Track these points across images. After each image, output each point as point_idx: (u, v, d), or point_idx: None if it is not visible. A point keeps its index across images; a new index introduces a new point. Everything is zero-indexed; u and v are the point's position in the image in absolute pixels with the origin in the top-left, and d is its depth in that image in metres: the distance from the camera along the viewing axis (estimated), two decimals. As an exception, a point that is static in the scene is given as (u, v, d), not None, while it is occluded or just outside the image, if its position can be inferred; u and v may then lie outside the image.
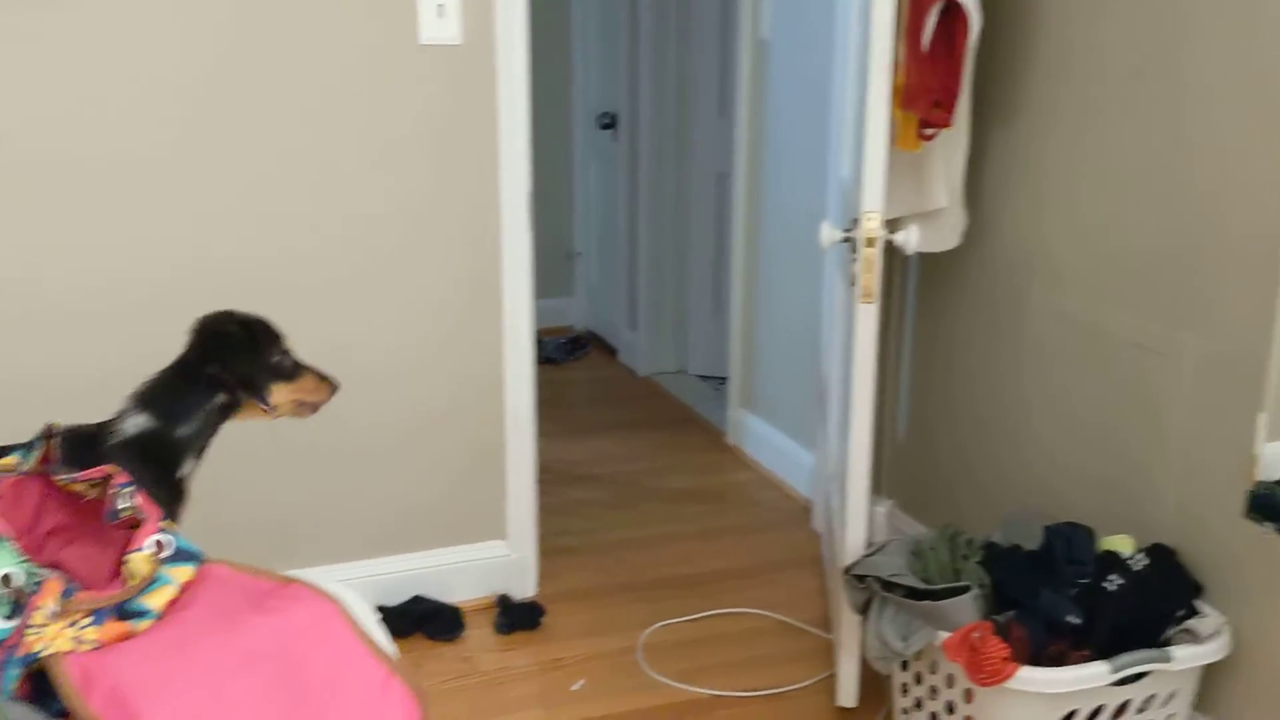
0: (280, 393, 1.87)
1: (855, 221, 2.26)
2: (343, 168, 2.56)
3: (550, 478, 3.58)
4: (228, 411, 1.84)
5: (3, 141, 2.29)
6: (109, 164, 2.39)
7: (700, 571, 3.10)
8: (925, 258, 2.81)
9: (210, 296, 2.49)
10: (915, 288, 2.95)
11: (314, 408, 1.95)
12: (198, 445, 1.81)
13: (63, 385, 2.33)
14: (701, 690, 2.51)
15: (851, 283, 2.31)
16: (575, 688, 2.54)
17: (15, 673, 0.86)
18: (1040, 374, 2.51)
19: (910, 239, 2.30)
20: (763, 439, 3.88)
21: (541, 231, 2.85)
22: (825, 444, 3.09)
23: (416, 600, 2.79)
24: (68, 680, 0.83)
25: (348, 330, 2.63)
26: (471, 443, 2.83)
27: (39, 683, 0.88)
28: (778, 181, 3.70)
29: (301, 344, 2.57)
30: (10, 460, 1.06)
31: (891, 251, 2.58)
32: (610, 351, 5.31)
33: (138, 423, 1.71)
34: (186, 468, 1.80)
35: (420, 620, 2.74)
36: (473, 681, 2.57)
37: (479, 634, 2.78)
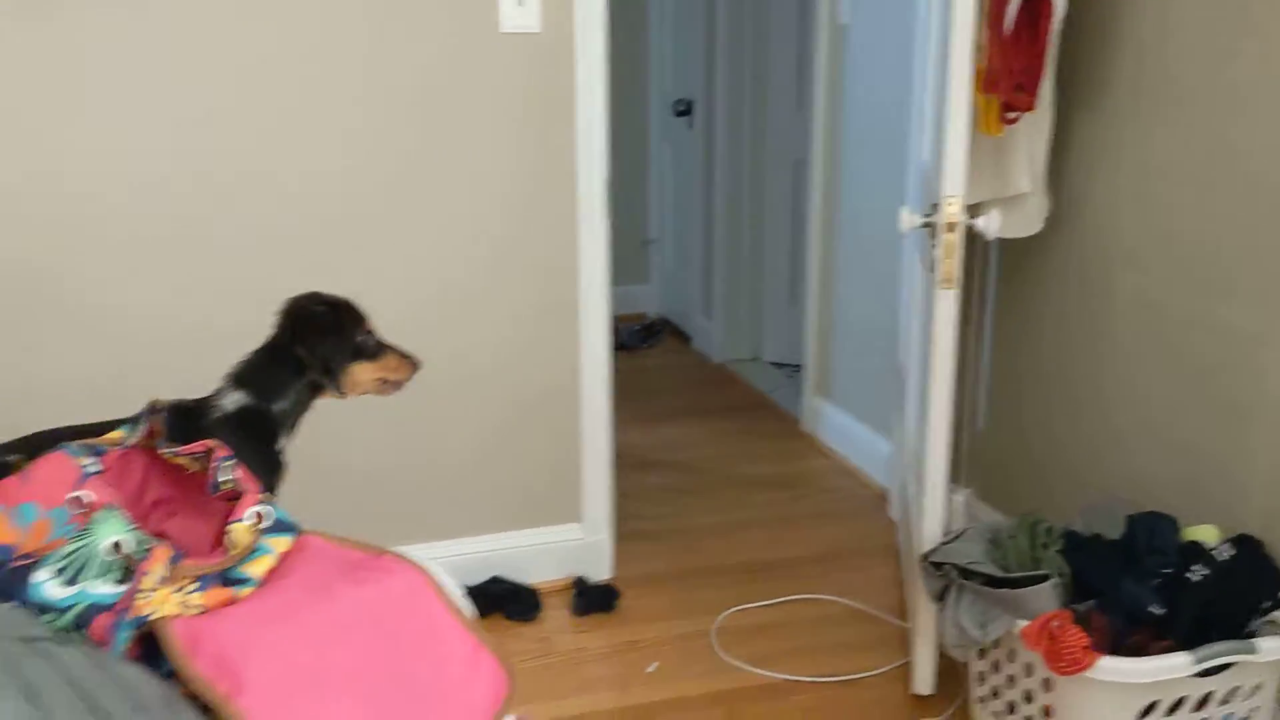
0: (364, 371, 1.93)
1: (935, 206, 2.24)
2: (424, 156, 2.60)
3: (625, 463, 3.60)
4: (317, 389, 1.91)
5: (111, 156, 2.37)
6: (198, 179, 2.45)
7: (774, 558, 3.11)
8: (1006, 243, 2.78)
9: (302, 285, 2.56)
10: (996, 274, 2.91)
11: (397, 385, 2.00)
12: (291, 420, 1.88)
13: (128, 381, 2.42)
14: (776, 675, 2.52)
15: (931, 269, 2.29)
16: (650, 670, 2.56)
17: (126, 635, 0.90)
18: (1124, 362, 2.47)
19: (991, 224, 2.28)
20: (838, 426, 3.87)
21: (616, 219, 2.87)
22: (902, 432, 3.08)
23: (495, 580, 2.83)
24: (176, 642, 0.87)
25: (425, 314, 2.68)
26: (549, 427, 2.86)
27: (148, 645, 0.93)
28: (855, 167, 3.68)
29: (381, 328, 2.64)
30: (117, 435, 1.10)
31: (972, 237, 2.56)
32: (684, 338, 5.33)
33: (236, 399, 1.78)
34: (282, 441, 1.87)
35: (499, 600, 2.78)
36: (549, 661, 2.60)
37: (555, 615, 2.81)
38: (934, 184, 2.34)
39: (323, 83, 2.50)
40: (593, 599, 2.84)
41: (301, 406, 1.89)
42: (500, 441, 2.83)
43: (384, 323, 2.62)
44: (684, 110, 5.03)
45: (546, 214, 2.72)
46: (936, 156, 2.32)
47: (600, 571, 2.97)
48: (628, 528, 3.20)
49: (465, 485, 2.83)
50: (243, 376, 1.82)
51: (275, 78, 2.47)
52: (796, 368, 4.52)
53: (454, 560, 2.76)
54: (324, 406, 2.39)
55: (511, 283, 2.74)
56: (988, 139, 2.46)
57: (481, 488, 2.84)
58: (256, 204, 2.52)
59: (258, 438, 1.78)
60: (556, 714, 2.38)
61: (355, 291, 2.43)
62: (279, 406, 1.82)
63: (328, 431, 2.62)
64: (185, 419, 1.69)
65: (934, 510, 2.33)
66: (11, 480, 1.00)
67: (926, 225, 2.32)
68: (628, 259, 5.37)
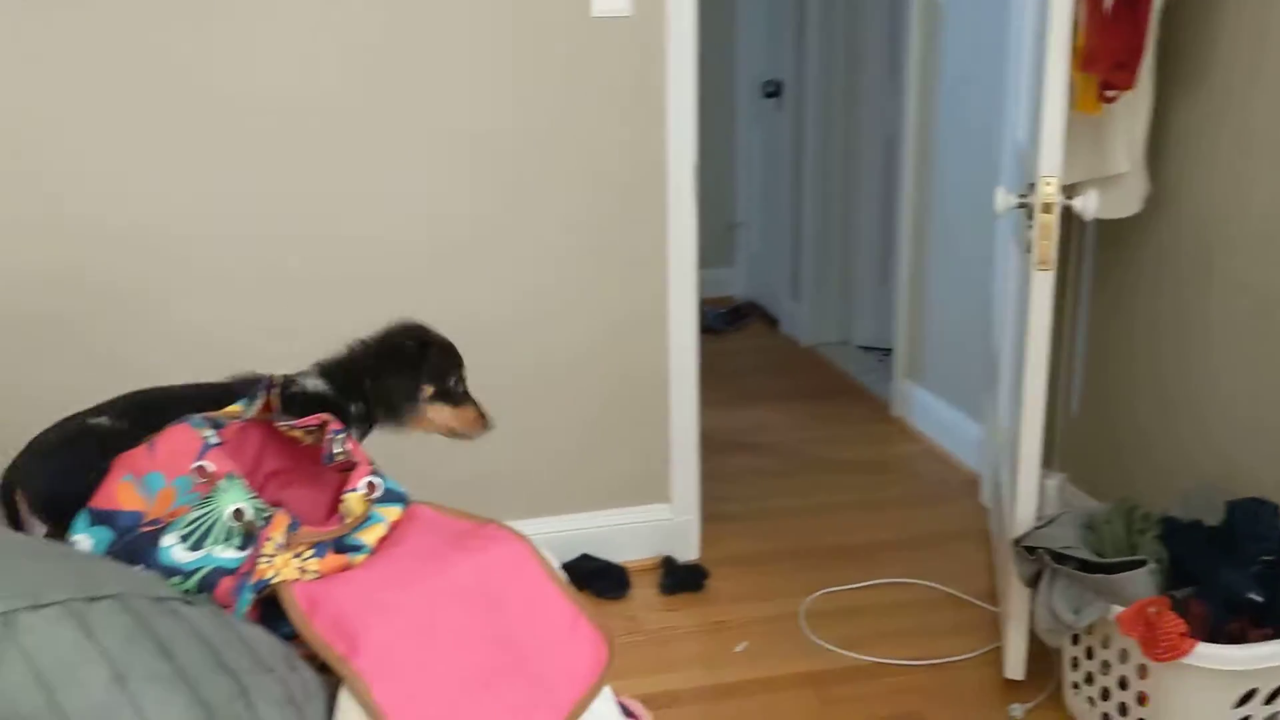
0: (440, 414, 1.91)
1: (1032, 186, 2.21)
2: (515, 144, 2.63)
3: (712, 446, 3.62)
4: (373, 422, 1.87)
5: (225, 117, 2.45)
6: (289, 157, 2.52)
7: (863, 541, 3.10)
8: (1104, 224, 2.73)
9: (394, 275, 2.62)
10: (1093, 255, 2.86)
11: (465, 438, 1.98)
12: (363, 427, 1.86)
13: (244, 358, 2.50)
14: (865, 657, 2.52)
15: (1027, 250, 2.27)
16: (738, 649, 2.58)
17: (249, 597, 0.95)
18: (1224, 346, 2.41)
19: (1089, 205, 2.24)
20: (929, 411, 3.84)
21: (703, 202, 2.88)
22: (995, 416, 3.04)
23: (585, 558, 2.88)
24: (296, 605, 0.91)
25: (521, 296, 2.72)
26: (638, 409, 2.89)
27: (267, 608, 0.97)
28: (949, 147, 3.63)
29: (467, 314, 2.69)
30: (236, 408, 1.16)
31: (1069, 218, 2.52)
32: (771, 322, 5.32)
33: (316, 384, 1.79)
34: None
35: (588, 577, 2.82)
36: (637, 639, 2.64)
37: (644, 593, 2.84)
38: (1030, 164, 2.31)
39: (420, 70, 2.54)
40: (681, 578, 2.86)
41: (371, 422, 1.88)
42: (591, 422, 2.87)
43: (482, 312, 2.69)
44: (773, 91, 5.01)
45: (636, 199, 2.74)
46: (1033, 136, 2.29)
47: (688, 552, 3.00)
48: (715, 509, 3.22)
49: (557, 465, 2.87)
50: (329, 369, 1.82)
51: (374, 71, 2.52)
52: (886, 351, 4.49)
53: (545, 537, 2.80)
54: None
55: (602, 266, 2.77)
56: (1085, 118, 2.42)
57: (573, 467, 2.88)
58: (352, 202, 2.58)
59: None
60: (645, 690, 2.41)
61: (454, 283, 2.48)
62: (354, 409, 1.81)
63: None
64: (268, 391, 1.72)
65: (1027, 495, 2.31)
66: (139, 451, 1.06)
67: (1022, 206, 2.29)
68: (714, 242, 5.38)
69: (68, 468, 1.38)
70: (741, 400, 4.25)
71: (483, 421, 1.98)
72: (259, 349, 2.52)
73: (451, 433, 1.96)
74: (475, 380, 2.72)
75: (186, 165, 2.47)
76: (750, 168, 5.54)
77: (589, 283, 2.77)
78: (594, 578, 2.83)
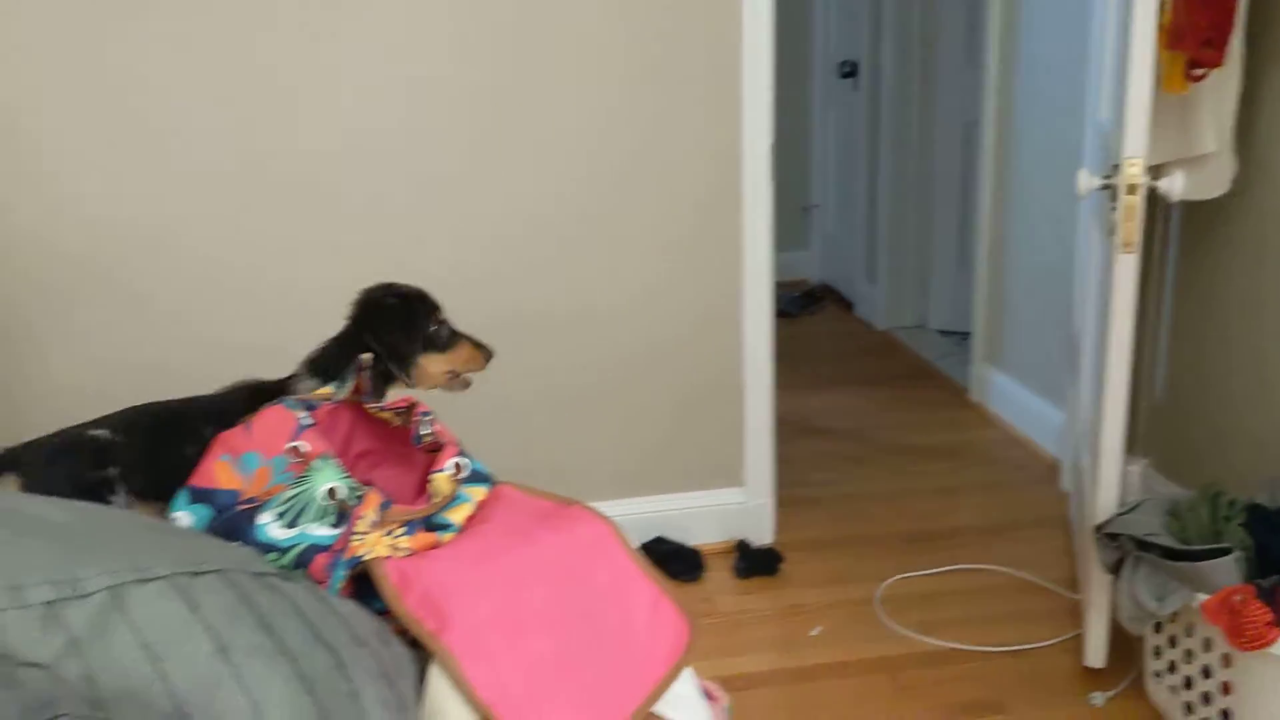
0: (434, 363, 1.88)
1: (1115, 168, 2.17)
2: (589, 119, 2.65)
3: (786, 430, 3.62)
4: (388, 379, 1.83)
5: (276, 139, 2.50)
6: (389, 161, 2.56)
7: (940, 527, 3.08)
8: (1190, 206, 2.67)
9: (480, 274, 2.65)
10: (1178, 237, 2.80)
11: (466, 383, 1.96)
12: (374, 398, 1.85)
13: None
14: (942, 643, 2.51)
15: (1110, 232, 2.23)
16: (814, 633, 2.58)
17: (342, 574, 0.98)
18: (1318, 329, 2.35)
19: (1174, 186, 2.19)
20: (1008, 395, 3.79)
21: (777, 184, 2.87)
22: (1076, 400, 3.00)
23: (659, 541, 2.90)
24: (388, 582, 0.94)
25: (594, 279, 2.74)
26: (712, 392, 2.90)
27: (360, 585, 1.00)
28: (1029, 128, 3.58)
29: (541, 296, 2.71)
30: (327, 390, 1.19)
31: (1153, 199, 2.47)
32: (846, 305, 5.28)
33: (309, 385, 1.75)
34: None
35: (663, 560, 2.84)
36: (712, 621, 2.65)
37: (718, 576, 2.86)
38: (1114, 144, 2.27)
39: (504, 69, 2.57)
40: (755, 562, 2.87)
41: (374, 396, 1.87)
42: (666, 406, 2.88)
43: (564, 304, 2.71)
44: (849, 72, 4.96)
45: (712, 179, 2.74)
46: (1117, 115, 2.25)
47: (762, 535, 3.00)
48: (789, 493, 3.22)
49: (634, 448, 2.89)
50: (317, 364, 1.78)
51: (464, 56, 2.55)
52: (964, 335, 4.44)
53: (619, 520, 2.83)
54: (502, 374, 2.48)
55: (679, 252, 2.77)
56: (1171, 97, 2.37)
57: (649, 451, 2.90)
58: (437, 203, 2.61)
59: None
60: (719, 673, 2.43)
61: (538, 278, 2.51)
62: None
63: (503, 394, 2.73)
64: (267, 397, 1.69)
65: (1109, 481, 2.28)
66: (236, 431, 1.10)
67: (1106, 187, 2.25)
68: (788, 225, 5.36)
69: (61, 474, 1.38)
70: (816, 385, 4.23)
71: (481, 354, 1.95)
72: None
73: (454, 378, 1.92)
74: (556, 366, 2.76)
75: (291, 166, 2.52)
76: (825, 149, 5.50)
77: (666, 268, 2.78)
78: (669, 560, 2.85)
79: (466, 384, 1.95)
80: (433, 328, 1.88)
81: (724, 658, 2.50)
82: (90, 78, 2.39)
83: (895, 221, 4.75)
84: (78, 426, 1.56)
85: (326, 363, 1.77)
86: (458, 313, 2.36)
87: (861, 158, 4.95)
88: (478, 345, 1.94)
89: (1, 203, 2.42)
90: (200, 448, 1.53)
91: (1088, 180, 2.28)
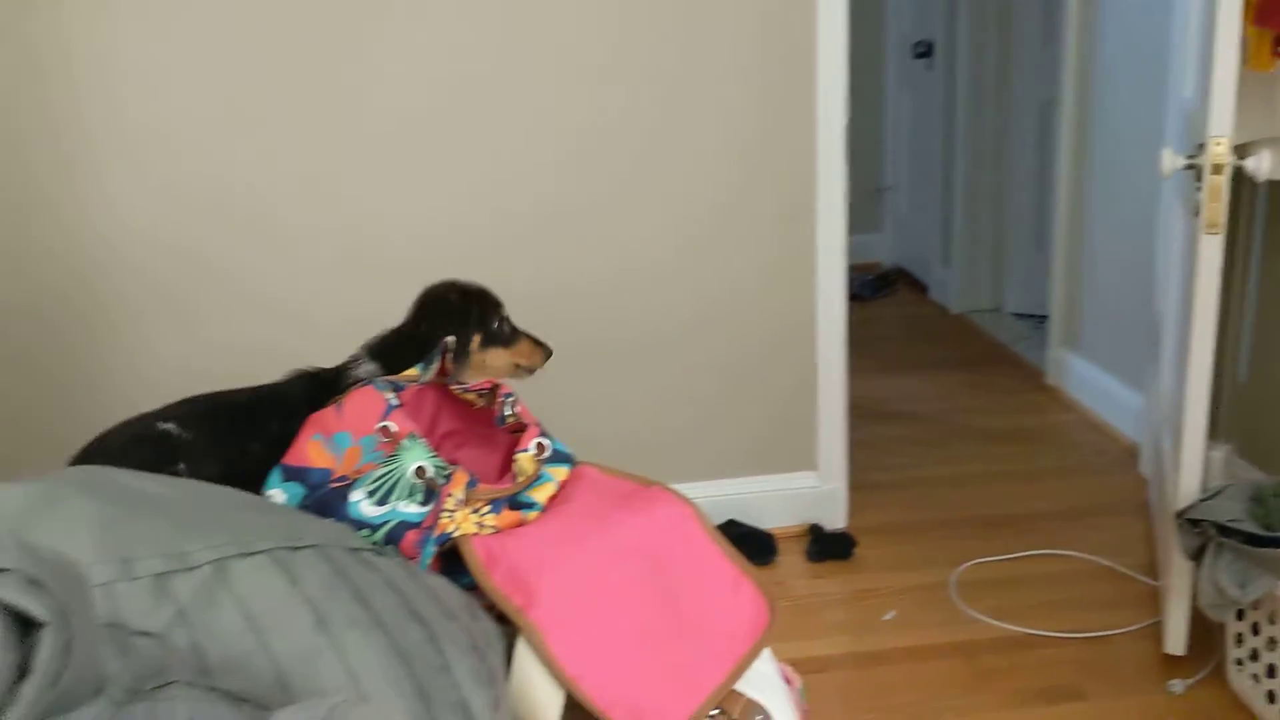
0: (497, 357, 1.93)
1: (1200, 147, 2.13)
2: (662, 100, 2.65)
3: (860, 413, 3.60)
4: (444, 374, 1.91)
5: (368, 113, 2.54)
6: (446, 110, 2.60)
7: (1016, 512, 3.05)
8: (1276, 186, 2.61)
9: (546, 234, 2.68)
10: (1264, 218, 2.74)
11: (529, 371, 2.00)
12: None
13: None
14: (1018, 629, 2.49)
15: (1194, 213, 2.19)
16: (887, 618, 2.58)
17: (432, 550, 1.01)
18: None
19: (1261, 165, 2.15)
20: (1086, 379, 3.73)
21: (851, 165, 2.85)
22: (1157, 384, 2.95)
23: (731, 524, 2.91)
24: (476, 558, 0.97)
25: (665, 260, 2.75)
26: (785, 376, 2.90)
27: (448, 561, 1.03)
28: (1109, 107, 3.51)
29: (618, 278, 2.73)
30: (413, 372, 1.22)
31: (1239, 179, 2.42)
32: (920, 288, 5.24)
33: (370, 369, 1.79)
34: None
35: (735, 542, 2.85)
36: (784, 605, 2.66)
37: (790, 560, 2.86)
38: (1199, 124, 2.22)
39: (561, 19, 2.58)
40: (829, 546, 2.87)
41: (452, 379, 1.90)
42: (737, 389, 2.89)
43: (622, 272, 2.73)
44: (924, 52, 4.90)
45: (785, 159, 2.73)
46: (1201, 94, 2.20)
47: (835, 520, 3.00)
48: (862, 477, 3.21)
49: (703, 431, 2.90)
50: (377, 350, 1.83)
51: (520, 18, 2.57)
52: (1041, 318, 4.38)
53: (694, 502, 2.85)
54: (576, 357, 2.51)
55: (749, 230, 2.77)
56: (1258, 75, 2.31)
57: (719, 434, 2.91)
58: (494, 138, 2.64)
59: None
60: (793, 656, 2.43)
61: (594, 241, 2.52)
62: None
63: (575, 379, 2.76)
64: (324, 385, 1.74)
65: (1191, 466, 2.24)
66: (328, 412, 1.13)
67: (1190, 167, 2.21)
68: (861, 207, 5.32)
69: (132, 467, 1.41)
70: (889, 368, 4.21)
71: (541, 351, 2.00)
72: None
73: (516, 370, 1.97)
74: (632, 347, 2.78)
75: (363, 154, 2.57)
76: (899, 130, 5.45)
77: (736, 248, 2.78)
78: (741, 543, 2.86)
79: (530, 372, 2.00)
80: (495, 324, 1.92)
81: (796, 641, 2.51)
82: (184, 72, 2.46)
83: (970, 203, 4.69)
84: (144, 418, 1.60)
85: (385, 350, 1.82)
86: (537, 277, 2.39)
87: (936, 138, 4.89)
88: (537, 343, 2.00)
89: (110, 197, 2.50)
90: (265, 444, 1.58)
91: (1172, 160, 2.24)
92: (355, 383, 1.72)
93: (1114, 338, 3.56)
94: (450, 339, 1.20)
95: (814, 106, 2.70)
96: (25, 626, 0.49)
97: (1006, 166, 4.58)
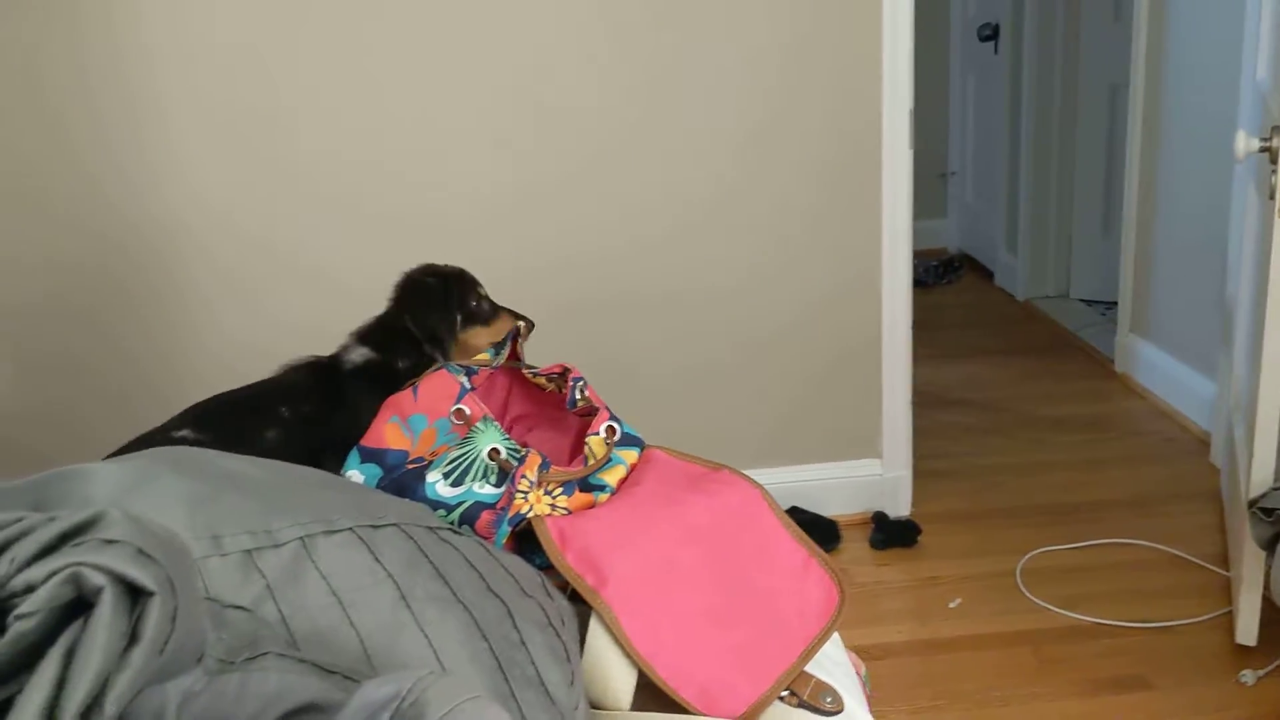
0: (478, 336, 1.91)
1: (1275, 129, 2.09)
2: (727, 90, 2.66)
3: (923, 400, 3.58)
4: (428, 359, 1.88)
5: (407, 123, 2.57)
6: (551, 152, 2.62)
7: (1083, 500, 3.02)
8: (1357, 168, 2.54)
9: (621, 251, 2.70)
10: (1343, 202, 2.68)
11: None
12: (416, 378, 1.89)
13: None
14: (1085, 618, 2.47)
15: (1269, 196, 2.15)
16: (952, 605, 2.57)
17: (506, 530, 1.03)
18: None
19: (1341, 147, 2.10)
20: (1156, 366, 3.67)
21: (915, 150, 2.83)
22: (1229, 372, 2.90)
23: (795, 510, 2.91)
24: (549, 538, 0.98)
25: (731, 248, 2.75)
26: (850, 363, 2.89)
27: (519, 542, 1.05)
28: (1180, 90, 3.45)
29: (679, 267, 2.74)
30: (485, 356, 1.24)
31: (1317, 162, 2.36)
32: (985, 274, 5.18)
33: (361, 353, 1.80)
34: None
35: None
36: (849, 591, 2.65)
37: (854, 547, 2.86)
38: (1273, 105, 2.18)
39: (649, 45, 2.59)
40: (893, 533, 2.86)
41: (422, 370, 1.79)
42: (802, 376, 2.88)
43: (687, 261, 2.74)
44: (989, 35, 4.84)
45: (851, 145, 2.72)
46: (1276, 75, 2.16)
47: (899, 507, 2.99)
48: (927, 465, 3.19)
49: (767, 418, 2.91)
50: (366, 335, 1.84)
51: (585, 25, 2.59)
52: (1109, 304, 4.32)
53: (756, 489, 2.85)
54: (641, 346, 2.52)
55: (818, 219, 2.77)
56: (1340, 54, 2.26)
57: (786, 421, 2.91)
58: (562, 141, 2.66)
59: (385, 390, 1.78)
60: (857, 642, 2.44)
61: (665, 234, 2.53)
62: (403, 364, 1.82)
63: (642, 366, 2.77)
64: (323, 372, 1.77)
65: (1265, 454, 2.20)
66: (404, 395, 1.15)
67: (1265, 150, 2.16)
68: (925, 193, 5.27)
69: None
70: (954, 355, 4.17)
71: (523, 326, 1.97)
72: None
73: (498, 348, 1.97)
74: (693, 337, 2.79)
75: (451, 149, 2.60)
76: (964, 115, 5.39)
77: (805, 237, 2.78)
78: (804, 529, 2.85)
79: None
80: (474, 303, 1.91)
81: (860, 627, 2.51)
82: (260, 54, 2.51)
83: (1037, 188, 4.63)
84: (157, 431, 1.63)
85: (373, 336, 1.83)
86: (590, 289, 2.41)
87: (1002, 123, 4.83)
88: (519, 317, 1.97)
89: (186, 178, 2.56)
90: (279, 429, 1.61)
91: (1246, 142, 2.19)
92: (351, 368, 1.77)
93: (1185, 324, 3.50)
94: (522, 324, 1.22)
95: (880, 92, 2.68)
96: (134, 596, 0.51)
97: (1074, 150, 4.52)
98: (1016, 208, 4.76)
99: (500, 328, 1.94)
